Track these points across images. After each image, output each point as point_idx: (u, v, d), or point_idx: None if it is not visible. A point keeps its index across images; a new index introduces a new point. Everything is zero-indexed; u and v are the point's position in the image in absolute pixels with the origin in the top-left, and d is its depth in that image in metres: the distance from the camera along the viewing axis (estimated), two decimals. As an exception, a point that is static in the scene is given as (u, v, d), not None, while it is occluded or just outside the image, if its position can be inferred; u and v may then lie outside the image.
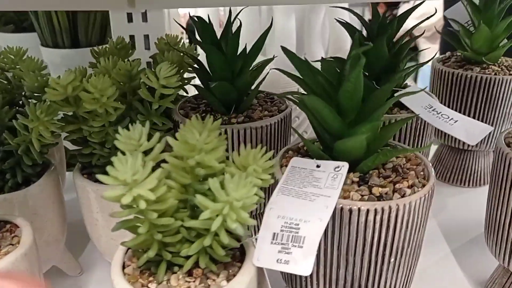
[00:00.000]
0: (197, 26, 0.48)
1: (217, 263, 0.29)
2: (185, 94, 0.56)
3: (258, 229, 0.35)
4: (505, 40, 0.64)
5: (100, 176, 0.24)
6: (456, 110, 0.65)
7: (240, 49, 0.49)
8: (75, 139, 0.46)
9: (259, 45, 0.49)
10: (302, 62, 0.37)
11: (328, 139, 0.38)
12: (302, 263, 0.31)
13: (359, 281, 0.37)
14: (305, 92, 0.38)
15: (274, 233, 0.34)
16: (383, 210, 0.34)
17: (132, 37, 0.69)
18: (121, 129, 0.26)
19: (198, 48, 0.58)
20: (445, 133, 0.68)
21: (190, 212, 0.28)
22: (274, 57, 0.50)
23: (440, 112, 0.50)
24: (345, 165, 0.36)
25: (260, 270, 0.31)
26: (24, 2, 0.37)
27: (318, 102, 0.34)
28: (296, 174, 0.37)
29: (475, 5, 0.63)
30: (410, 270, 0.39)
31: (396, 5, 2.13)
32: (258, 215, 0.54)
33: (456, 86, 0.64)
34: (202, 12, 0.97)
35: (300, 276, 0.39)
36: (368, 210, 0.34)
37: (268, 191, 0.38)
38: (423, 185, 0.37)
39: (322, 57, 0.39)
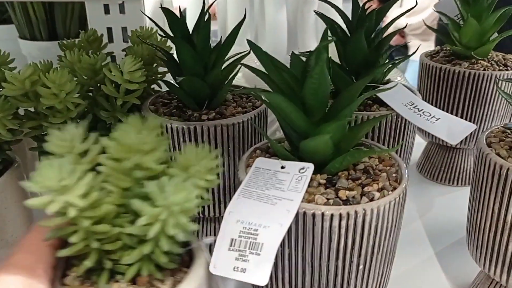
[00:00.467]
0: (167, 18, 0.46)
1: (164, 269, 0.27)
2: (159, 89, 0.54)
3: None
4: (495, 34, 0.61)
5: (23, 183, 0.22)
6: (443, 107, 0.63)
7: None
8: (36, 136, 0.44)
9: (232, 38, 0.47)
10: (267, 56, 0.34)
11: (295, 138, 0.36)
12: (258, 272, 0.29)
13: (326, 289, 0.35)
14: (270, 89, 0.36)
15: (232, 239, 0.32)
16: (348, 215, 0.32)
17: (110, 30, 0.67)
18: (52, 130, 0.24)
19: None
20: (428, 131, 0.65)
21: (132, 217, 0.26)
22: (249, 52, 0.48)
23: (422, 110, 0.47)
24: (310, 167, 0.34)
25: (211, 277, 0.29)
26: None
27: (280, 99, 0.32)
28: (259, 175, 0.35)
29: (464, -3, 0.61)
30: (382, 276, 0.37)
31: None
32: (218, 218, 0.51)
33: (444, 81, 0.61)
34: (195, 3, 0.94)
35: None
36: (332, 215, 0.31)
37: (230, 193, 0.36)
38: (394, 188, 0.34)
39: (292, 51, 0.37)
